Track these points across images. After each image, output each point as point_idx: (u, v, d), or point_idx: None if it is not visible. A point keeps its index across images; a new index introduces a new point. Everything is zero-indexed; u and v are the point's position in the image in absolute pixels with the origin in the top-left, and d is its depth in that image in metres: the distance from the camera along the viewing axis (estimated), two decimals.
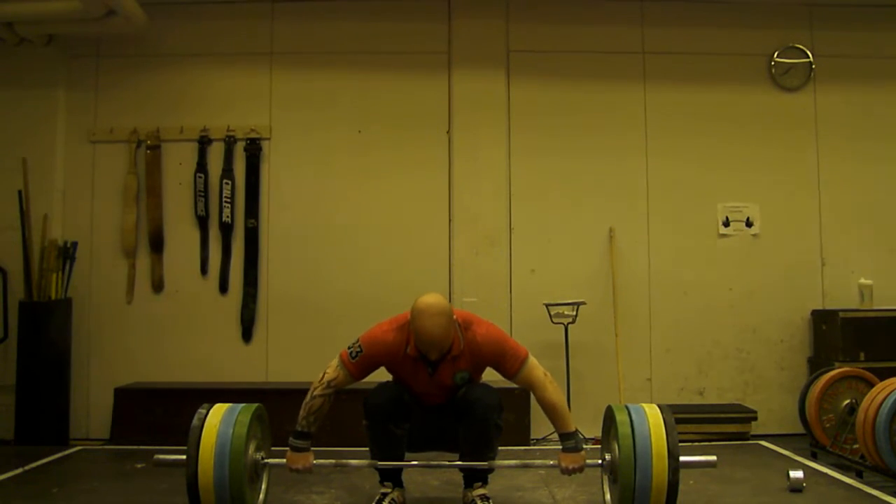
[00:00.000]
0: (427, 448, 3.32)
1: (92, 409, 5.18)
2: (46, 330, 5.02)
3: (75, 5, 4.74)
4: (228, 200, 5.33)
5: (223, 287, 5.32)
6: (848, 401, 4.30)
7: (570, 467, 3.05)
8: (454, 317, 3.07)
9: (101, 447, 4.91)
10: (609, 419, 3.14)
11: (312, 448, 3.16)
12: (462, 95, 5.37)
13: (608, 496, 3.18)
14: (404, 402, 3.17)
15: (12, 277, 5.15)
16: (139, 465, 4.25)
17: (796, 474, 3.57)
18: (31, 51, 5.26)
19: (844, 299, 5.28)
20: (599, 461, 3.15)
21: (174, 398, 4.93)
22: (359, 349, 3.11)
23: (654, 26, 5.49)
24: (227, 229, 5.33)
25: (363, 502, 3.42)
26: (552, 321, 5.08)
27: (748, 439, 4.93)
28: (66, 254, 5.16)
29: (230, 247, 5.33)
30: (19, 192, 5.08)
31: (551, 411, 3.08)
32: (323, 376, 3.12)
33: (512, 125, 5.40)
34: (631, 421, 2.95)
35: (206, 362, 5.23)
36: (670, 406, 5.02)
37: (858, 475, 3.82)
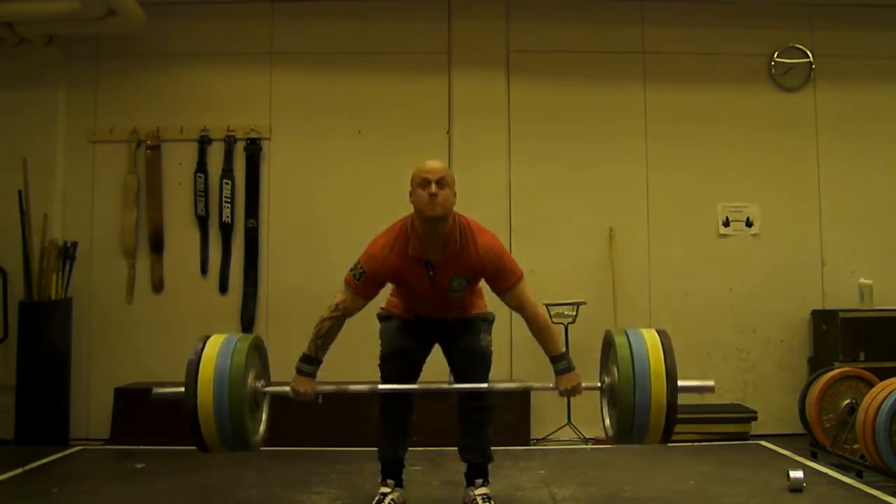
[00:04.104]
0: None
1: (92, 409, 5.17)
2: (46, 330, 5.02)
3: (75, 5, 4.74)
4: (228, 200, 5.33)
5: (223, 287, 5.32)
6: (848, 401, 4.30)
7: (568, 387, 3.05)
8: (458, 218, 3.11)
9: (101, 447, 4.91)
10: (608, 344, 3.14)
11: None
12: (462, 95, 5.37)
13: (607, 421, 3.19)
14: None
15: (12, 277, 5.15)
16: (139, 465, 4.25)
17: (796, 474, 3.57)
18: (31, 51, 5.26)
19: (844, 299, 5.28)
20: (598, 384, 3.15)
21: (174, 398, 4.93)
22: (361, 270, 3.09)
23: (654, 26, 5.49)
24: (227, 229, 5.33)
25: (363, 502, 3.42)
26: (552, 321, 5.07)
27: (748, 439, 4.93)
28: (66, 254, 5.16)
29: (230, 247, 5.33)
30: (19, 192, 5.08)
31: (542, 331, 3.11)
32: (332, 302, 3.13)
33: (512, 125, 5.40)
34: (629, 344, 2.96)
35: None
36: None
37: (858, 475, 3.81)
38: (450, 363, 3.33)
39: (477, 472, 3.26)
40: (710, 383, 3.09)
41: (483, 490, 3.21)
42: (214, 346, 3.01)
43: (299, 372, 3.14)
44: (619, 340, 3.00)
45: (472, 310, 3.32)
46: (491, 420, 3.26)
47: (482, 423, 3.24)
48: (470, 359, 3.20)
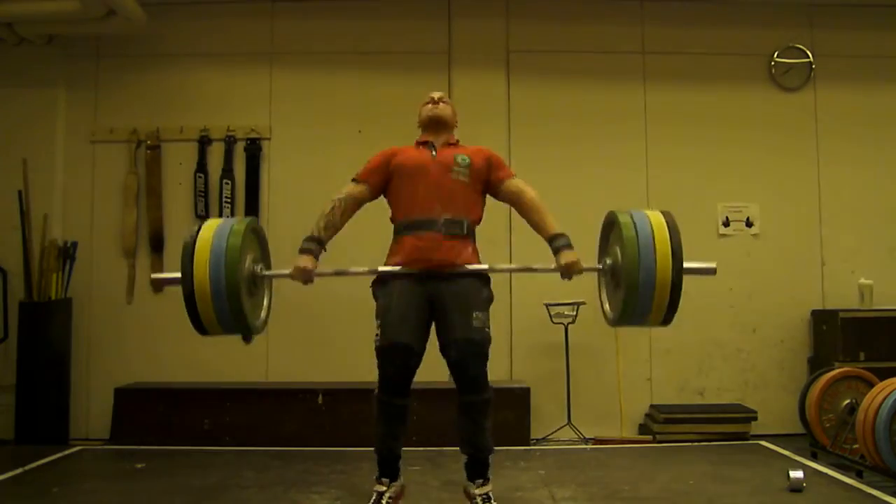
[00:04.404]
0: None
1: (92, 409, 5.18)
2: (46, 330, 5.02)
3: (75, 5, 4.75)
4: (228, 200, 5.33)
5: None
6: (848, 401, 4.30)
7: (569, 262, 3.03)
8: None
9: (101, 447, 4.91)
10: (610, 223, 3.10)
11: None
12: (462, 95, 5.35)
13: (606, 305, 3.16)
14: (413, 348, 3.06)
15: (12, 277, 5.15)
16: (139, 465, 4.25)
17: (796, 474, 3.57)
18: (31, 51, 5.26)
19: (844, 299, 5.28)
20: (598, 266, 3.12)
21: (174, 398, 4.94)
22: (364, 166, 3.32)
23: (654, 26, 5.50)
24: None
25: (363, 502, 3.41)
26: (552, 321, 5.08)
27: (748, 439, 4.92)
28: (66, 254, 5.16)
29: None
30: (19, 192, 5.08)
31: (538, 212, 3.17)
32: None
33: (512, 125, 5.40)
34: (634, 223, 2.93)
35: (205, 362, 5.21)
36: (670, 406, 5.11)
37: (858, 475, 3.82)
38: (443, 349, 3.11)
39: (476, 466, 3.19)
40: (713, 265, 3.08)
41: (483, 489, 3.19)
42: (210, 228, 2.96)
43: (301, 251, 3.15)
44: (624, 220, 2.96)
45: (466, 258, 3.15)
46: (489, 412, 3.15)
47: (480, 415, 3.15)
48: (464, 350, 3.05)
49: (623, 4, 5.50)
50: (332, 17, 5.46)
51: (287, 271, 3.12)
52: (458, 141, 3.37)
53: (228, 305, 2.87)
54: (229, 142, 5.37)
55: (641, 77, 5.47)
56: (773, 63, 5.48)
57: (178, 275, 2.89)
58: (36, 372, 4.94)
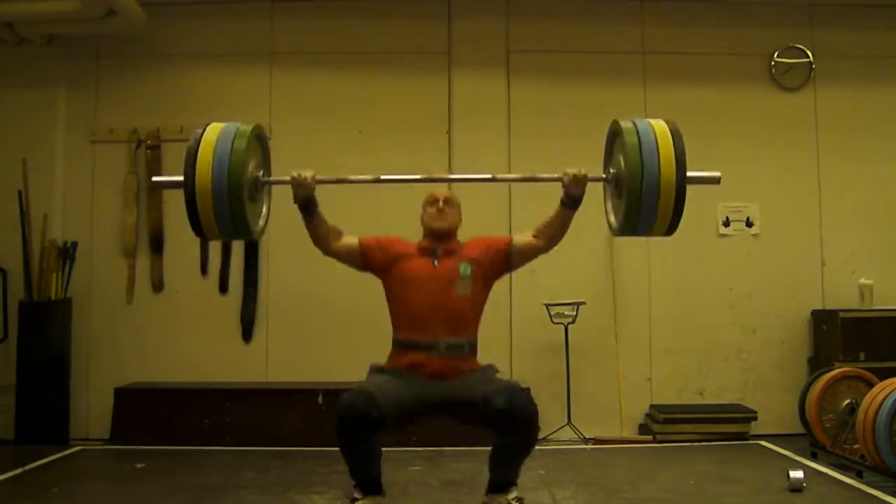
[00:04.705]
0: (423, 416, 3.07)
1: (92, 409, 5.17)
2: (46, 330, 5.02)
3: (75, 5, 4.74)
4: None
5: (223, 287, 5.32)
6: (848, 401, 4.30)
7: (574, 171, 3.05)
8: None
9: (101, 447, 4.91)
10: (614, 134, 3.08)
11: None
12: (462, 95, 5.37)
13: (611, 216, 3.15)
14: (372, 417, 2.83)
15: (12, 277, 5.15)
16: (139, 465, 4.25)
17: (796, 474, 3.57)
18: (31, 51, 5.26)
19: (844, 299, 5.28)
20: (602, 175, 3.11)
21: (174, 398, 4.94)
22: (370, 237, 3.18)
23: (654, 26, 5.50)
24: None
25: None
26: (552, 321, 5.08)
27: (748, 439, 4.92)
28: (66, 254, 5.16)
29: (230, 247, 5.33)
30: (19, 192, 5.08)
31: (550, 222, 3.18)
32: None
33: (512, 125, 5.40)
34: (637, 130, 2.91)
35: (205, 362, 5.22)
36: (670, 406, 5.11)
37: (858, 475, 3.82)
38: (485, 408, 2.80)
39: (504, 485, 2.97)
40: (717, 174, 3.11)
41: (513, 494, 2.96)
42: (214, 131, 2.89)
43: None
44: (627, 126, 2.94)
45: (469, 366, 3.02)
46: (532, 446, 2.88)
47: (522, 448, 2.87)
48: (511, 390, 2.86)
49: (623, 4, 5.50)
50: (332, 17, 5.46)
51: (288, 178, 3.08)
52: (460, 244, 3.16)
53: (229, 207, 2.81)
54: None
55: (641, 77, 5.47)
56: (773, 63, 5.48)
57: (181, 178, 2.81)
58: (36, 372, 4.94)
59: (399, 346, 3.06)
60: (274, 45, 5.47)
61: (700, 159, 5.52)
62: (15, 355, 5.00)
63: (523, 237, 3.22)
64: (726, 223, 5.40)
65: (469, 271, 3.08)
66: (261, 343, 5.30)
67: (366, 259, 3.14)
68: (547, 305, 5.08)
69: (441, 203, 3.14)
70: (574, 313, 5.05)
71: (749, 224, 5.40)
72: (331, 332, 5.21)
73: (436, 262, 3.08)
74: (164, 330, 5.25)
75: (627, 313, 5.26)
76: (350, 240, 3.17)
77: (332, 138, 5.39)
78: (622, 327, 5.23)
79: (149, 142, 5.33)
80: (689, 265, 5.37)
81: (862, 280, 5.22)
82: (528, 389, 4.95)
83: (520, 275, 5.26)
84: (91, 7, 4.78)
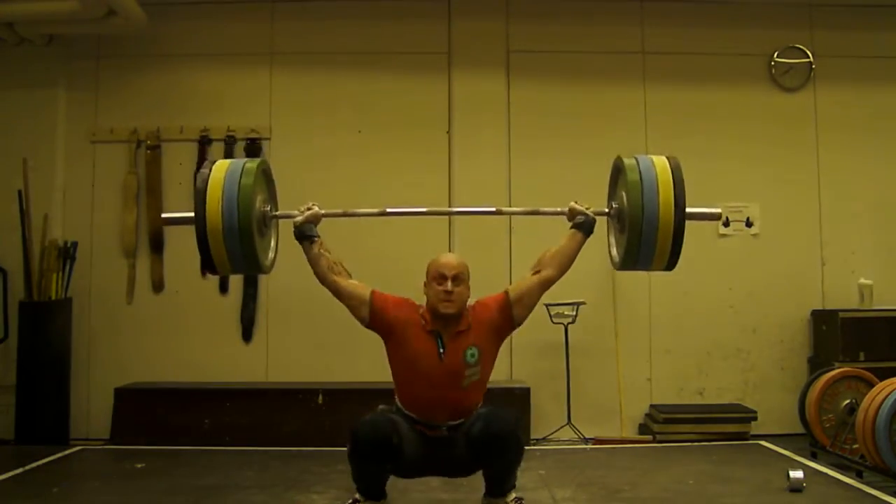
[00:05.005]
0: (426, 474, 3.11)
1: (92, 409, 5.17)
2: (46, 330, 5.02)
3: (75, 5, 4.74)
4: None
5: (223, 287, 5.32)
6: (848, 401, 4.30)
7: (575, 205, 3.12)
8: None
9: (101, 447, 4.91)
10: (617, 169, 3.15)
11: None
12: (462, 95, 5.37)
13: (613, 249, 3.23)
14: (392, 443, 2.80)
15: (12, 277, 5.15)
16: (139, 465, 4.25)
17: (796, 474, 3.57)
18: (31, 51, 5.26)
19: (844, 299, 5.28)
20: (606, 210, 3.18)
21: (174, 398, 4.94)
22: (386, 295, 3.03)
23: (654, 26, 5.50)
24: None
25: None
26: (552, 321, 5.07)
27: (748, 439, 4.92)
28: (66, 254, 5.16)
29: None
30: (19, 192, 5.08)
31: (561, 252, 3.15)
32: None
33: (512, 125, 5.40)
34: (639, 167, 2.99)
35: (206, 362, 5.22)
36: (670, 406, 5.11)
37: (858, 475, 3.82)
38: (464, 469, 2.96)
39: (508, 479, 3.00)
40: (717, 210, 3.18)
41: (513, 496, 3.02)
42: (221, 169, 2.96)
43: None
44: (629, 164, 3.01)
45: (475, 408, 3.01)
46: (520, 457, 2.92)
47: (514, 463, 2.91)
48: (490, 416, 2.88)
49: (623, 4, 5.50)
50: (332, 17, 5.46)
51: (297, 212, 3.14)
52: (469, 320, 2.99)
53: (241, 245, 2.88)
54: (229, 142, 5.37)
55: (641, 77, 5.47)
56: (773, 63, 5.48)
57: (191, 214, 2.89)
58: (36, 372, 4.94)
59: (402, 412, 3.00)
60: (274, 45, 5.47)
61: (700, 159, 5.58)
62: (15, 355, 5.00)
63: (521, 282, 3.12)
64: (726, 223, 5.40)
65: (476, 357, 2.95)
66: (261, 343, 5.30)
67: (374, 315, 2.99)
68: (547, 305, 5.07)
69: (450, 283, 2.92)
70: (574, 313, 5.05)
71: (749, 224, 5.40)
72: (331, 332, 5.20)
73: (442, 353, 2.91)
74: (165, 330, 5.25)
75: (627, 313, 5.26)
76: (359, 285, 3.06)
77: (332, 138, 5.39)
78: (622, 327, 5.23)
79: (149, 142, 5.33)
80: (688, 265, 5.32)
81: (862, 280, 5.23)
82: (528, 390, 4.98)
83: (520, 275, 5.29)
84: (91, 7, 4.78)
